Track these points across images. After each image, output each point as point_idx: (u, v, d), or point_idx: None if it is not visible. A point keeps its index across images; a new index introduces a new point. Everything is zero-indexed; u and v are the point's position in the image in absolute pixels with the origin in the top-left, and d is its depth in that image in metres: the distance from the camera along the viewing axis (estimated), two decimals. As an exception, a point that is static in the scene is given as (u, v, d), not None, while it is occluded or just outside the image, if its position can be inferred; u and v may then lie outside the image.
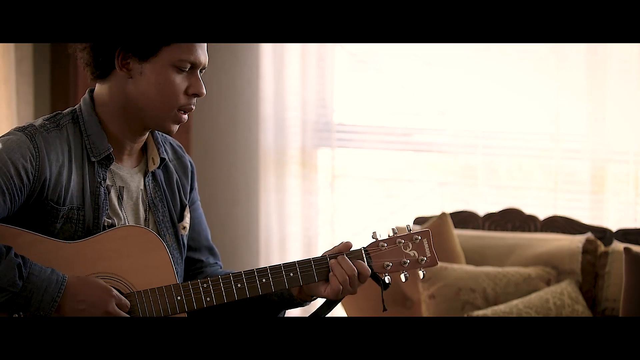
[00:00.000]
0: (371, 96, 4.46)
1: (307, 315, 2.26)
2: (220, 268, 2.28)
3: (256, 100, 4.55)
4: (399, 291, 3.87)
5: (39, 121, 2.05)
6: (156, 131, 2.17)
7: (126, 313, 2.00)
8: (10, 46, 4.12)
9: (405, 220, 4.27)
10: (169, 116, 2.06)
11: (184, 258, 2.21)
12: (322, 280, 2.11)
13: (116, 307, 1.98)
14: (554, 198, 4.18)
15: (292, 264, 2.10)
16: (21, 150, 1.97)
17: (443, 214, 3.90)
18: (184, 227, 2.20)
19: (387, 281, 2.14)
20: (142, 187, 2.13)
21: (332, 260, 2.10)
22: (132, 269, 2.03)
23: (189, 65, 2.06)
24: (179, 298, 2.04)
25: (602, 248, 3.78)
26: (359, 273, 2.10)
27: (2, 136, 2.02)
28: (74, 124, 2.07)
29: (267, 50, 4.49)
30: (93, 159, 2.05)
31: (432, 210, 4.26)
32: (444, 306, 3.65)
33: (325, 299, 2.17)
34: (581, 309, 3.58)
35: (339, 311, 4.09)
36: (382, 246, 2.14)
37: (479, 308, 3.61)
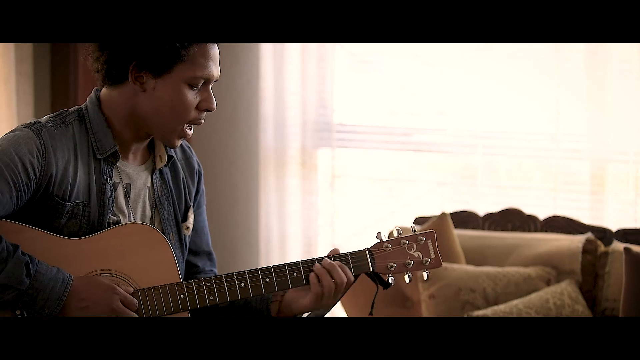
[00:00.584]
0: (371, 96, 4.46)
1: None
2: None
3: (256, 100, 4.55)
4: (399, 291, 3.87)
5: (45, 118, 2.06)
6: None
7: (132, 311, 2.00)
8: (10, 46, 4.12)
9: (405, 220, 4.27)
10: (176, 131, 2.07)
11: (185, 258, 2.21)
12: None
13: (121, 305, 1.98)
14: (554, 198, 4.18)
15: (297, 264, 2.10)
16: (28, 146, 1.98)
17: (443, 214, 3.90)
18: (187, 228, 2.20)
19: (390, 282, 2.14)
20: (149, 184, 2.14)
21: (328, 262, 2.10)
22: (135, 267, 2.04)
23: (202, 82, 2.05)
24: (182, 296, 2.04)
25: (602, 248, 3.78)
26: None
27: (9, 132, 2.03)
28: (80, 121, 2.07)
29: (267, 50, 4.49)
30: (99, 156, 2.06)
31: (432, 210, 4.26)
32: (444, 306, 3.65)
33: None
34: (581, 309, 3.58)
35: (339, 311, 4.09)
36: (387, 247, 2.14)
37: (479, 308, 3.61)
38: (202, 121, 2.10)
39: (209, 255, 2.28)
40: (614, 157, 4.07)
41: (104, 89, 2.10)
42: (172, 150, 2.17)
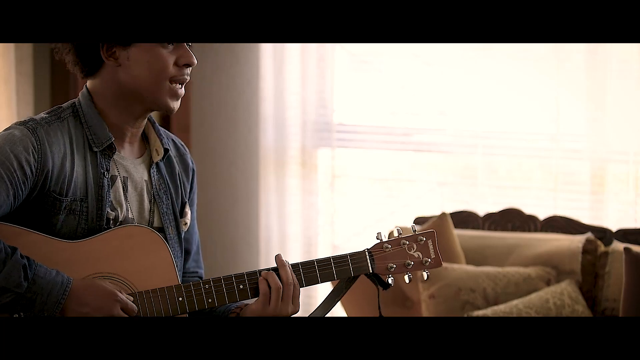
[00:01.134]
0: (371, 96, 4.46)
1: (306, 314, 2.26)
2: (200, 279, 2.25)
3: (256, 100, 4.55)
4: (399, 291, 3.87)
5: (40, 115, 2.06)
6: (158, 125, 2.18)
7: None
8: (10, 46, 4.12)
9: (405, 220, 4.27)
10: (163, 90, 2.05)
11: (183, 254, 2.20)
12: (328, 280, 2.11)
13: (121, 312, 1.97)
14: (554, 198, 4.18)
15: (296, 265, 2.10)
16: (23, 144, 1.98)
17: (443, 214, 3.90)
18: (185, 223, 2.20)
19: (390, 282, 2.13)
20: (146, 178, 2.13)
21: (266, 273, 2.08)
22: (133, 270, 2.03)
23: None
24: (180, 299, 2.04)
25: (602, 248, 3.78)
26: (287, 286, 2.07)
27: (3, 131, 2.03)
28: (75, 116, 2.07)
29: (267, 50, 4.49)
30: (95, 149, 2.06)
31: (432, 210, 4.26)
32: (444, 306, 3.65)
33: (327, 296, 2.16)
34: (581, 309, 3.58)
35: (339, 311, 4.08)
36: (386, 247, 2.13)
37: (479, 308, 3.61)
38: (187, 77, 2.08)
39: (196, 255, 2.27)
40: (614, 157, 4.07)
41: (89, 82, 2.10)
42: (167, 143, 2.17)
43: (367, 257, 2.12)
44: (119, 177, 2.09)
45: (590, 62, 4.05)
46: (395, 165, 4.54)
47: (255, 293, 2.07)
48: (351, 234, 4.52)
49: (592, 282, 3.73)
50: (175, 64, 2.06)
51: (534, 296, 3.58)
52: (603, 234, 3.85)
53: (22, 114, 4.19)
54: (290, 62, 4.46)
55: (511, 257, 3.82)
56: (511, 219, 4.02)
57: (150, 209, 2.13)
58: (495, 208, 4.12)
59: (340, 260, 2.11)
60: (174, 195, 2.17)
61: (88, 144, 2.06)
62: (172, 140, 2.23)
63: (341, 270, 2.11)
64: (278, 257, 2.09)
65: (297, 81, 4.47)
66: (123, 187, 2.09)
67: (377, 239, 2.15)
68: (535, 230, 3.97)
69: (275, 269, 2.08)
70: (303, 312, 3.98)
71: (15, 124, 2.03)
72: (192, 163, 2.26)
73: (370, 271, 2.13)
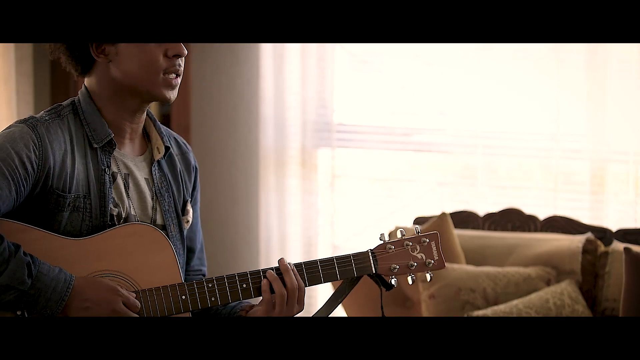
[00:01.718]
0: (371, 96, 4.46)
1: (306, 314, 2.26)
2: (204, 277, 2.26)
3: (256, 100, 4.55)
4: (399, 291, 3.87)
5: (40, 113, 2.07)
6: (159, 123, 2.18)
7: (134, 313, 2.00)
8: (10, 46, 4.12)
9: (406, 220, 4.26)
10: (157, 82, 2.05)
11: (185, 251, 2.20)
12: (331, 280, 2.11)
13: (123, 306, 1.98)
14: (554, 198, 4.18)
15: (299, 265, 2.10)
16: (24, 141, 1.98)
17: (443, 214, 3.90)
18: (187, 221, 2.20)
19: (393, 283, 2.13)
20: (147, 175, 2.14)
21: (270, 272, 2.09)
22: (137, 268, 2.03)
23: None
24: (183, 297, 2.04)
25: (602, 248, 3.78)
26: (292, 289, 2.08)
27: (4, 129, 2.04)
28: (74, 113, 2.08)
29: (267, 50, 4.49)
30: (95, 146, 2.06)
31: (432, 210, 4.26)
32: (444, 306, 3.65)
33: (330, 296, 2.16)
34: (581, 309, 3.58)
35: (339, 311, 4.09)
36: (390, 248, 2.13)
37: (479, 308, 3.61)
38: (179, 68, 2.08)
39: (200, 253, 2.27)
40: (614, 157, 4.07)
41: (86, 80, 2.11)
42: (168, 141, 2.17)
43: (371, 257, 2.12)
44: (119, 174, 2.09)
45: (590, 62, 4.05)
46: (395, 165, 4.54)
47: (259, 292, 2.07)
48: (351, 234, 4.52)
49: (592, 282, 3.73)
50: (165, 55, 2.06)
51: (534, 296, 3.58)
52: (603, 234, 3.85)
53: (22, 113, 4.19)
54: (290, 62, 4.46)
55: (511, 257, 3.82)
56: (511, 219, 4.02)
57: (153, 206, 2.14)
58: (495, 208, 4.12)
59: (343, 260, 2.11)
60: (175, 193, 2.18)
61: (88, 140, 2.07)
62: (174, 138, 2.24)
63: (344, 271, 2.11)
64: (281, 262, 2.09)
65: (297, 81, 4.47)
66: (124, 184, 2.10)
67: (380, 239, 2.15)
68: (535, 230, 3.97)
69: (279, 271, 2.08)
70: (304, 311, 3.98)
71: (16, 122, 2.04)
72: (195, 161, 2.26)
73: (374, 272, 2.13)
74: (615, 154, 4.06)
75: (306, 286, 2.10)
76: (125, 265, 2.03)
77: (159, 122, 2.19)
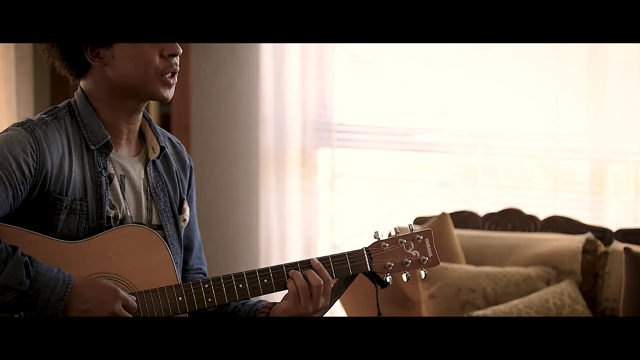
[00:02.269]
0: (371, 96, 4.46)
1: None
2: (204, 276, 2.27)
3: (256, 100, 4.55)
4: (399, 291, 3.87)
5: (37, 116, 2.07)
6: (154, 124, 2.18)
7: (132, 315, 2.00)
8: (10, 46, 4.12)
9: (405, 220, 4.26)
10: (154, 82, 2.05)
11: (182, 251, 2.20)
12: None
13: (122, 309, 1.98)
14: (554, 198, 4.18)
15: (294, 264, 2.10)
16: (21, 144, 1.98)
17: (443, 214, 3.90)
18: (184, 220, 2.20)
19: (388, 281, 2.14)
20: (143, 176, 2.14)
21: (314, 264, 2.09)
22: (133, 270, 2.03)
23: None
24: (180, 298, 2.04)
25: (602, 248, 3.78)
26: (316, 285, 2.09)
27: (1, 133, 2.03)
28: (71, 115, 2.08)
29: (267, 50, 4.49)
30: (92, 147, 2.06)
31: (432, 210, 4.26)
32: (444, 306, 3.65)
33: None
34: (581, 309, 3.58)
35: (339, 311, 4.09)
36: (384, 246, 2.14)
37: (479, 308, 3.61)
38: (176, 67, 2.08)
39: (199, 252, 2.27)
40: (614, 157, 4.07)
41: (82, 83, 2.11)
42: (163, 141, 2.17)
43: (365, 255, 2.13)
44: (116, 176, 2.09)
45: (590, 62, 4.05)
46: (395, 165, 4.54)
47: (255, 292, 2.07)
48: (351, 234, 4.52)
49: (592, 282, 3.73)
50: (161, 55, 2.06)
51: (534, 296, 3.58)
52: (603, 234, 3.85)
53: (22, 114, 4.19)
54: (290, 62, 4.46)
55: (511, 257, 3.82)
56: (511, 219, 4.02)
57: (148, 206, 2.14)
58: (495, 208, 4.12)
59: (338, 258, 2.12)
60: (171, 193, 2.18)
61: (85, 142, 2.06)
62: (169, 138, 2.24)
63: (340, 269, 2.12)
64: (313, 261, 2.10)
65: (297, 81, 4.47)
66: (120, 185, 2.10)
67: (375, 237, 2.15)
68: (535, 230, 3.97)
69: (305, 264, 2.09)
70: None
71: (13, 125, 2.04)
72: (190, 160, 2.26)
73: (369, 269, 2.13)
74: (615, 154, 4.06)
75: None
76: (122, 267, 2.03)
77: (154, 122, 2.19)
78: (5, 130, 2.03)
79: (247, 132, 4.60)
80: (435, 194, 4.40)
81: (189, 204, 2.23)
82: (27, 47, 4.26)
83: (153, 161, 2.16)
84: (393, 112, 4.45)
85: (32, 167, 1.98)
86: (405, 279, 2.14)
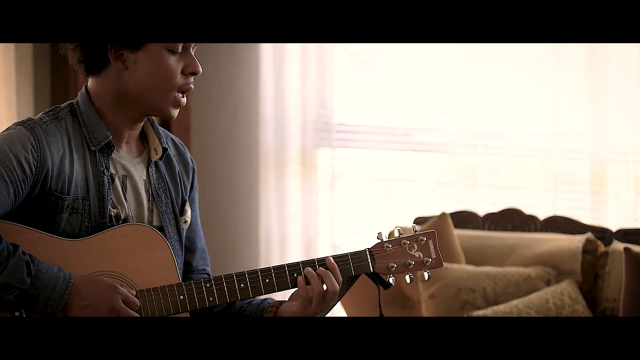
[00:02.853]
0: (371, 96, 4.46)
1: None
2: (208, 276, 2.26)
3: (256, 100, 4.55)
4: (399, 291, 3.87)
5: (38, 115, 2.07)
6: (157, 125, 2.18)
7: (134, 310, 2.00)
8: (10, 46, 4.12)
9: (405, 220, 4.26)
10: (169, 100, 2.06)
11: (183, 252, 2.20)
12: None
13: (122, 304, 1.98)
14: (554, 198, 4.18)
15: (296, 264, 2.10)
16: (22, 143, 1.98)
17: (443, 214, 3.90)
18: (185, 221, 2.20)
19: (390, 282, 2.13)
20: (144, 177, 2.14)
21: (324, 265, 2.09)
22: (135, 268, 2.03)
23: (181, 46, 2.05)
24: (181, 297, 2.04)
25: (602, 248, 3.78)
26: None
27: (2, 132, 2.03)
28: (72, 116, 2.08)
29: (267, 50, 4.49)
30: (93, 148, 2.06)
31: (432, 210, 4.26)
32: (444, 306, 3.65)
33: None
34: (581, 309, 3.58)
35: (339, 311, 4.08)
36: (387, 247, 2.13)
37: (479, 308, 3.61)
38: (192, 86, 2.09)
39: (202, 253, 2.27)
40: (614, 157, 4.07)
41: (90, 81, 2.10)
42: (166, 142, 2.17)
43: (368, 256, 2.12)
44: (117, 176, 2.09)
45: (590, 62, 4.05)
46: (395, 165, 4.54)
47: (257, 292, 2.07)
48: (351, 234, 4.52)
49: (592, 282, 3.73)
50: (182, 72, 2.06)
51: (534, 296, 3.58)
52: (603, 234, 3.85)
53: (22, 113, 4.19)
54: (290, 62, 4.46)
55: (511, 257, 3.82)
56: (511, 219, 4.02)
57: (150, 207, 2.14)
58: (495, 208, 4.12)
59: (341, 259, 2.11)
60: (173, 194, 2.18)
61: (86, 142, 2.06)
62: (172, 139, 2.24)
63: (342, 270, 2.11)
64: (328, 260, 2.09)
65: (297, 81, 4.47)
66: (122, 185, 2.10)
67: (378, 238, 2.15)
68: (535, 230, 3.97)
69: (320, 262, 2.08)
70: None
71: (14, 124, 2.04)
72: (192, 162, 2.26)
73: (371, 270, 2.13)
74: (615, 154, 4.06)
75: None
76: (123, 265, 2.03)
77: (156, 124, 2.19)
78: (6, 129, 2.03)
79: (247, 132, 4.60)
80: (435, 194, 4.40)
81: (191, 205, 2.23)
82: (27, 47, 4.26)
83: (155, 162, 2.16)
84: (393, 112, 4.45)
85: (32, 165, 1.98)
86: (408, 280, 2.13)
